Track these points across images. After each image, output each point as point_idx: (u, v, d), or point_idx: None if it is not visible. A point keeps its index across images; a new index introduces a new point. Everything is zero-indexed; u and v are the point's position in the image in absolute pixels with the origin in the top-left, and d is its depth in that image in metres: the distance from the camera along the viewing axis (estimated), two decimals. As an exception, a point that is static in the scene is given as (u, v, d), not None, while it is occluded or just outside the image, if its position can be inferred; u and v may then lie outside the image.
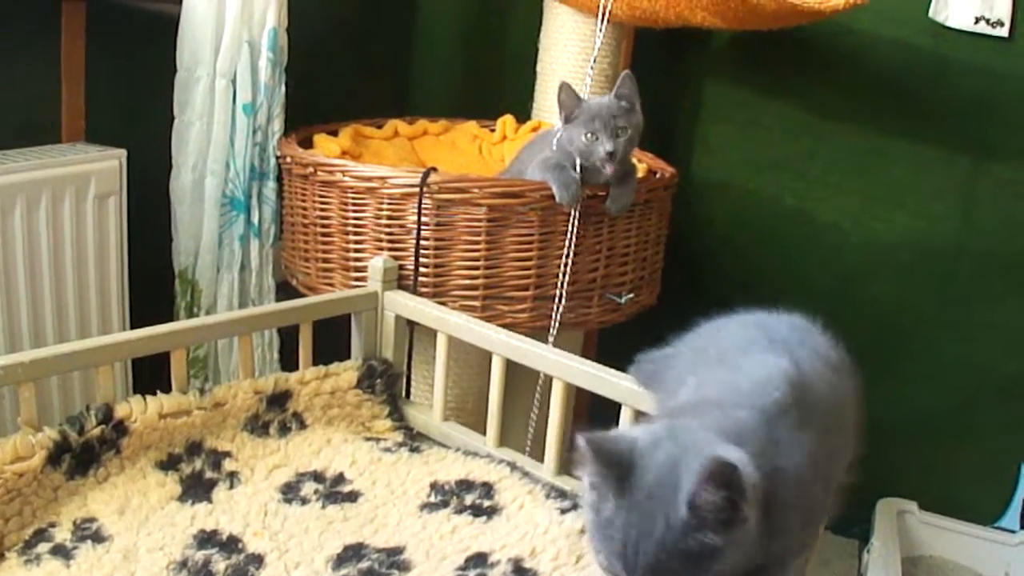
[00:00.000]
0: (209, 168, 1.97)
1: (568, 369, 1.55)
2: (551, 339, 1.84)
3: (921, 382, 2.51)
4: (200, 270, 2.02)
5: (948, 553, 2.50)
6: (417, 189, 1.77)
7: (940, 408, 2.51)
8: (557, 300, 1.85)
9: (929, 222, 2.43)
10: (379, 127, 2.26)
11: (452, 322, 1.73)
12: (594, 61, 1.96)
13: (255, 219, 2.07)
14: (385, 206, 1.82)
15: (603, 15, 1.91)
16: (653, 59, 2.52)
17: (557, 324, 1.86)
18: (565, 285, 1.84)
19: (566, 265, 1.83)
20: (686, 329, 1.33)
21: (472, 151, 2.33)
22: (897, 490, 2.51)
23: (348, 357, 1.83)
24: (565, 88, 1.78)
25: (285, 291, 2.09)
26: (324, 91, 2.39)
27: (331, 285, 1.93)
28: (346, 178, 1.83)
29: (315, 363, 1.75)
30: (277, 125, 2.06)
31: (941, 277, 2.45)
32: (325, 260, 1.93)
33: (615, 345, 1.66)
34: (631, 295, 1.96)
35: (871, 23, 2.35)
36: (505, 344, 1.64)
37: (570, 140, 1.78)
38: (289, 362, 1.79)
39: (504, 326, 1.74)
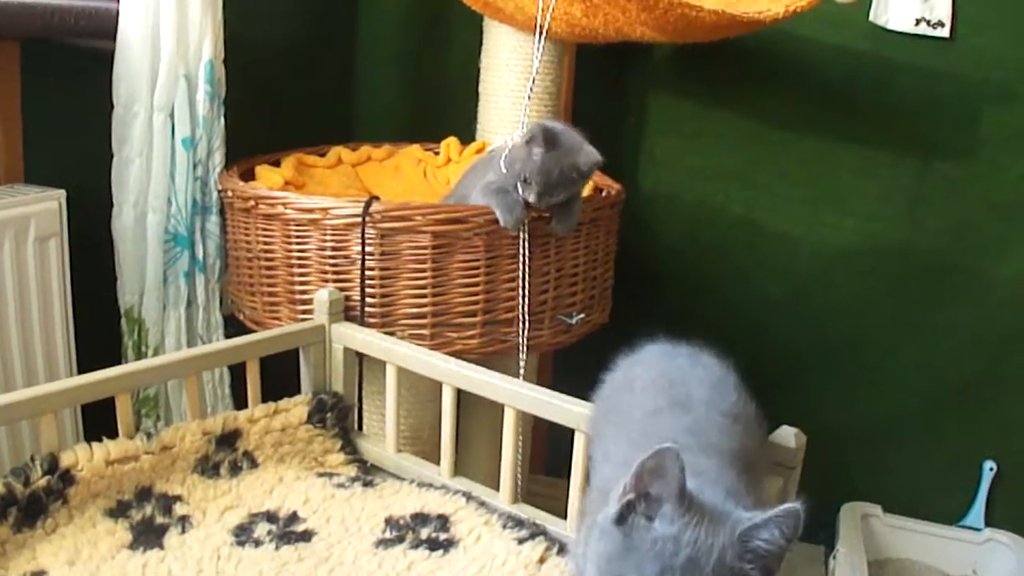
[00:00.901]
0: (150, 205, 1.94)
1: (518, 396, 1.54)
2: (521, 369, 1.84)
3: (880, 386, 2.52)
4: (146, 308, 1.99)
5: (914, 554, 2.51)
6: (360, 219, 1.75)
7: (900, 411, 2.52)
8: (521, 325, 1.85)
9: (879, 225, 2.44)
10: (322, 155, 2.24)
11: (401, 353, 1.71)
12: (533, 81, 1.96)
13: (199, 254, 2.04)
14: (328, 237, 1.80)
15: (540, 34, 1.90)
16: (596, 74, 2.52)
17: (517, 347, 1.85)
18: (526, 308, 1.83)
19: (524, 288, 1.82)
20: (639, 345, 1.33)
21: (416, 175, 2.31)
22: (860, 494, 2.51)
23: (299, 391, 1.81)
24: (544, 128, 1.72)
25: (234, 325, 2.07)
26: (266, 121, 2.36)
27: (278, 319, 1.90)
28: (288, 210, 1.81)
29: (266, 398, 1.73)
30: (218, 158, 2.03)
31: (894, 280, 2.46)
32: (271, 294, 1.91)
33: (571, 364, 1.65)
34: (582, 316, 1.95)
35: (813, 29, 2.36)
36: (454, 373, 1.62)
37: (513, 160, 1.75)
38: (241, 396, 1.76)
39: (454, 353, 1.73)
